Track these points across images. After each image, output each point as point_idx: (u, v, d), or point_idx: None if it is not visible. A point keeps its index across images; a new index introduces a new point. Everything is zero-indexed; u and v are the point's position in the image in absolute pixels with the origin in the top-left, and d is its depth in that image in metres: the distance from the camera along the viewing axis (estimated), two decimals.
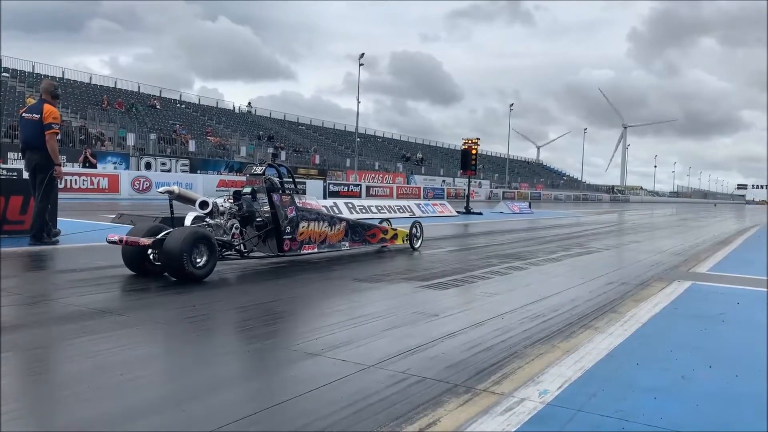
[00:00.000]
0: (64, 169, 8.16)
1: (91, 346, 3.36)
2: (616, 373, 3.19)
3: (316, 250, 7.11)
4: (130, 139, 31.38)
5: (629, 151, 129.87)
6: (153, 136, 34.24)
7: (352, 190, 35.79)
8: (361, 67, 43.54)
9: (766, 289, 6.09)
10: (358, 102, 44.73)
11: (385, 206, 17.63)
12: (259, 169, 6.60)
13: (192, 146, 35.40)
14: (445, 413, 2.56)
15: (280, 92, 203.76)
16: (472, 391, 2.84)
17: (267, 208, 6.42)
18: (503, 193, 52.47)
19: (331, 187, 33.66)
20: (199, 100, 51.08)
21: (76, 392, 2.69)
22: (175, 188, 6.06)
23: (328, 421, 2.43)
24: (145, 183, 24.61)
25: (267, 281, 5.93)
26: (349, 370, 3.08)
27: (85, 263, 6.42)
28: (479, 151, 23.21)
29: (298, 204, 6.74)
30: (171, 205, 5.99)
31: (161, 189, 6.05)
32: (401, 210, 18.02)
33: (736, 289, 6.21)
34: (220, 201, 6.23)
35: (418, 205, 19.31)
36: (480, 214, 21.70)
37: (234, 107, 53.98)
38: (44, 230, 7.53)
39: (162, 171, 29.36)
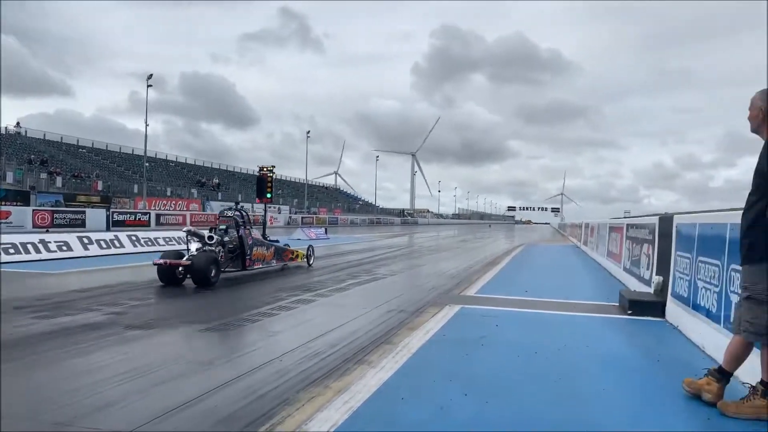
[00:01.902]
0: None
1: None
2: (382, 411, 3.34)
3: (261, 266, 10.80)
4: None
5: (417, 177, 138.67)
6: None
7: (140, 219, 33.36)
8: (149, 88, 41.20)
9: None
10: (147, 125, 41.61)
11: (174, 238, 16.70)
12: (229, 213, 10.27)
13: None
14: None
15: (54, 111, 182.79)
16: None
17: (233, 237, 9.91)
18: (302, 218, 52.97)
19: (115, 216, 30.94)
20: None
21: None
22: (191, 228, 9.77)
23: None
24: None
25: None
26: None
27: None
28: (278, 177, 23.16)
29: (252, 235, 10.33)
30: (187, 240, 9.25)
31: (184, 229, 9.58)
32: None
33: (497, 311, 6.89)
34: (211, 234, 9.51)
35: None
36: (276, 242, 21.56)
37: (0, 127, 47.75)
38: None
39: None
